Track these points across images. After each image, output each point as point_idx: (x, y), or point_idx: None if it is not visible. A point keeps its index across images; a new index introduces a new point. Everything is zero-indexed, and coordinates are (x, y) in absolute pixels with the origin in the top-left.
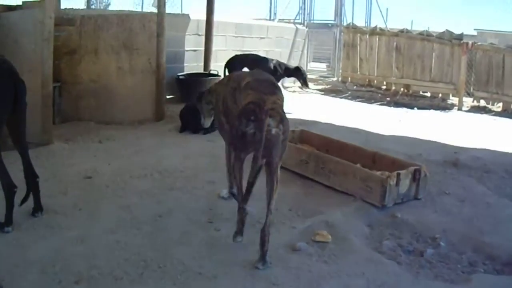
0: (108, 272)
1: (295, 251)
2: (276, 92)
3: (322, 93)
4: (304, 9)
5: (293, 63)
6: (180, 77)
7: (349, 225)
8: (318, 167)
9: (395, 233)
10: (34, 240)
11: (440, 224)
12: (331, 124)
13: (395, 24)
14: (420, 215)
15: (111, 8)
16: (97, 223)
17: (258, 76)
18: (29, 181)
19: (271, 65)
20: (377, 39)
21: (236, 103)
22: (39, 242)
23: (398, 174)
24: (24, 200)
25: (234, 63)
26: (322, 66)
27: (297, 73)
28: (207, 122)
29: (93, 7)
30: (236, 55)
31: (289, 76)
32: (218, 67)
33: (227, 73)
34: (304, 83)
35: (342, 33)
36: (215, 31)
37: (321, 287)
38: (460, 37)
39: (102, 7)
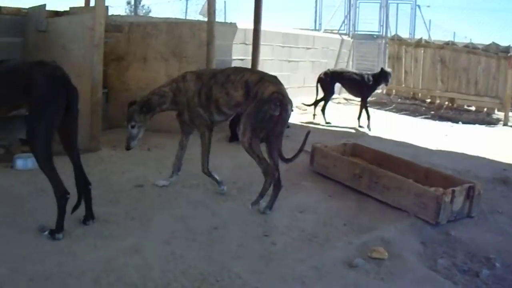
0: (164, 284)
1: (352, 267)
2: (282, 83)
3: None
4: (349, 19)
5: None
6: None
7: (404, 241)
8: (372, 182)
9: (449, 252)
10: (86, 249)
11: (494, 244)
12: (379, 137)
13: (437, 35)
14: (473, 234)
15: (151, 15)
16: (150, 233)
17: (258, 72)
18: (80, 188)
19: (366, 79)
20: (422, 51)
21: (228, 94)
22: (91, 251)
23: (453, 191)
24: (76, 207)
25: (326, 79)
26: None
27: (385, 75)
28: (138, 140)
29: (132, 14)
30: (329, 70)
31: (380, 82)
32: None
33: (319, 88)
34: (387, 82)
35: (387, 45)
36: (262, 41)
37: None
38: (507, 49)
39: (142, 14)
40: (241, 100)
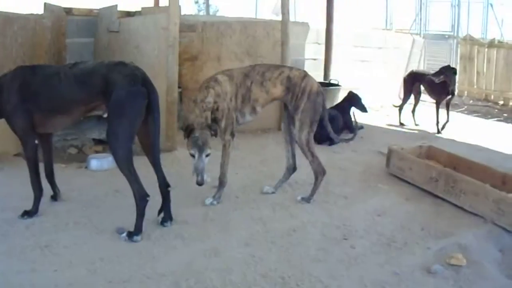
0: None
1: (430, 274)
2: None
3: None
4: (420, 18)
5: None
6: None
7: (482, 249)
8: (448, 186)
9: None
10: (164, 251)
11: None
12: (452, 140)
13: (510, 35)
14: None
15: (218, 14)
16: (229, 236)
17: (295, 67)
18: (162, 190)
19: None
20: (495, 51)
21: (268, 92)
22: (170, 253)
23: None
24: (161, 210)
25: (408, 79)
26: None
27: (446, 69)
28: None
29: (201, 13)
30: (413, 71)
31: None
32: (336, 76)
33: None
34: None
35: (458, 45)
36: (334, 40)
37: None
38: None
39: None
40: (280, 96)
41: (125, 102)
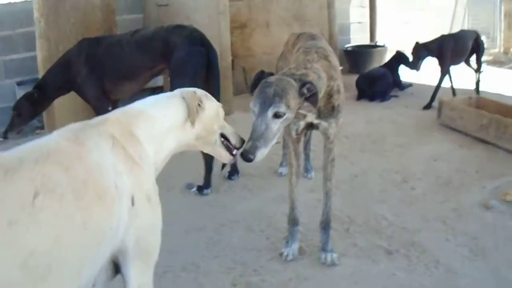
0: (314, 228)
1: (488, 209)
2: None
3: (484, 64)
4: None
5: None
6: (348, 48)
7: None
8: (500, 132)
9: None
10: (234, 201)
11: None
12: (500, 94)
13: None
14: None
15: None
16: None
17: None
18: None
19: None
20: None
21: None
22: (239, 202)
23: None
24: (225, 164)
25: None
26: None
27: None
28: None
29: None
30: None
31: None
32: (382, 38)
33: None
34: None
35: (502, 2)
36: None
37: None
38: None
39: None
40: None
41: (186, 62)
